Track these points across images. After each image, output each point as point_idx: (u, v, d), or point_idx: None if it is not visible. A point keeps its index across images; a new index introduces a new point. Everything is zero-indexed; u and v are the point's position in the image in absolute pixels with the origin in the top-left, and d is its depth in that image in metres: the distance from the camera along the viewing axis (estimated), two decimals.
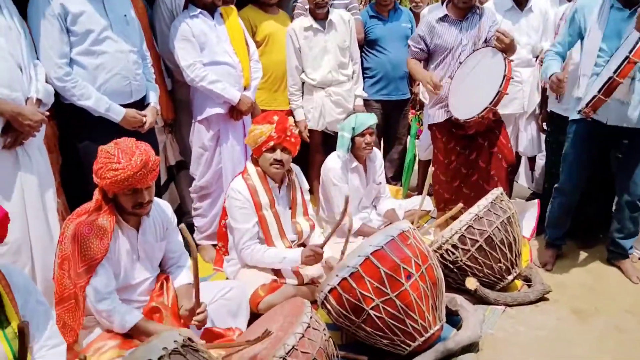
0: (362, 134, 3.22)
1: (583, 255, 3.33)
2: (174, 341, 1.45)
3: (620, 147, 2.94)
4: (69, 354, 1.96)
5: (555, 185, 3.15)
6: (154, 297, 2.30)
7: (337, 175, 3.23)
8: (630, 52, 2.42)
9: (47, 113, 2.37)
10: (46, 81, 2.43)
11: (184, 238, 2.15)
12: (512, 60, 2.92)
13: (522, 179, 4.31)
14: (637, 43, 2.43)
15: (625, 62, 2.43)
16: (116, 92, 2.65)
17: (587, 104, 2.61)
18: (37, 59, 2.45)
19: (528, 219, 3.65)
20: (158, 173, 2.18)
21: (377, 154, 3.30)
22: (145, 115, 2.77)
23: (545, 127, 3.62)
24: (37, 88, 2.34)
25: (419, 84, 3.99)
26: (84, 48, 2.54)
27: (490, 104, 2.88)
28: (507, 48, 2.90)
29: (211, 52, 3.06)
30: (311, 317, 1.97)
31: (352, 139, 3.23)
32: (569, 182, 3.08)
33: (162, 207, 2.38)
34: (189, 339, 1.53)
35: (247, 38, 3.26)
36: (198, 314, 2.14)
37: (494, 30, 3.03)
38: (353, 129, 3.20)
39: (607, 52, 2.73)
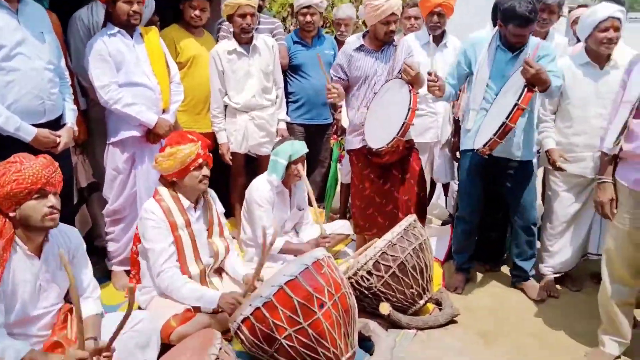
0: (295, 162, 3.25)
1: (489, 278, 3.52)
2: None
3: (507, 176, 3.16)
4: None
5: (456, 213, 3.33)
6: (56, 330, 2.18)
7: (264, 198, 3.23)
8: (518, 99, 2.67)
9: None
10: None
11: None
12: (417, 93, 3.06)
13: (442, 200, 4.52)
14: (523, 90, 2.68)
15: (515, 109, 2.67)
16: (28, 111, 2.53)
17: (484, 145, 2.81)
18: None
19: (441, 243, 3.83)
20: (62, 185, 2.11)
21: (304, 180, 3.35)
22: (59, 136, 2.66)
23: (457, 155, 3.83)
24: None
25: (340, 111, 4.09)
26: None
27: (397, 134, 3.00)
28: (413, 80, 3.04)
29: (128, 72, 2.98)
30: (220, 349, 1.96)
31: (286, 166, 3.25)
32: (466, 209, 3.29)
33: (68, 234, 2.25)
34: None
35: (167, 59, 3.20)
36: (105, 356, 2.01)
37: (410, 60, 3.18)
38: (290, 155, 3.23)
39: (494, 89, 3.00)
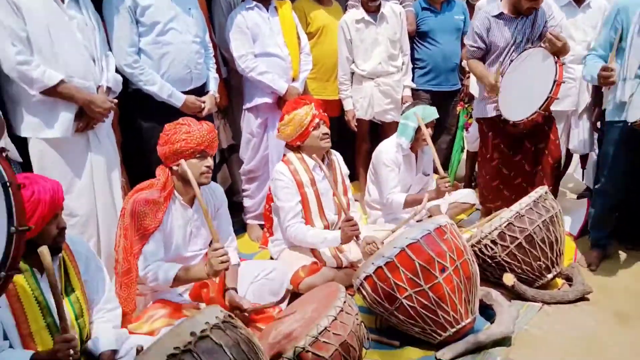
0: (425, 126, 3.25)
1: (630, 257, 3.25)
2: (216, 317, 1.60)
3: None
4: (125, 320, 2.20)
5: (596, 186, 3.08)
6: None
7: (390, 159, 3.29)
8: None
9: (116, 101, 2.59)
10: (116, 70, 2.64)
11: None
12: (563, 64, 2.87)
13: (579, 173, 4.21)
14: None
15: None
16: (178, 80, 2.85)
17: None
18: (110, 50, 2.67)
19: (576, 217, 3.59)
20: (217, 148, 2.40)
21: (430, 146, 3.34)
22: (204, 102, 2.95)
23: (598, 125, 3.53)
24: (107, 78, 2.55)
25: (469, 77, 3.96)
26: (151, 38, 2.75)
27: (539, 108, 2.86)
28: (558, 51, 2.85)
29: (263, 43, 3.21)
30: (345, 302, 2.09)
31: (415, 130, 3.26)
32: (608, 183, 3.01)
33: (214, 190, 2.57)
34: (230, 315, 1.68)
35: (299, 31, 3.39)
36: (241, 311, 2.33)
37: (553, 27, 2.97)
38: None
39: None
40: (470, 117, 3.92)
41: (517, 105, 3.01)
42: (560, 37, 2.84)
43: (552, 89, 2.82)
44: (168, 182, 2.34)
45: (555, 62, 2.85)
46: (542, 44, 2.94)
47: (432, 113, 3.27)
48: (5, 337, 1.74)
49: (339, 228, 3.07)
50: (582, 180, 4.14)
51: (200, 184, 2.32)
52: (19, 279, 1.75)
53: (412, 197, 3.27)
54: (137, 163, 2.98)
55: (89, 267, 2.00)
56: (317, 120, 2.86)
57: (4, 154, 1.25)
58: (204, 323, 1.56)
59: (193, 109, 2.89)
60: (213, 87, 3.07)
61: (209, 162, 2.32)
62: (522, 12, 3.05)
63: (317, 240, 2.80)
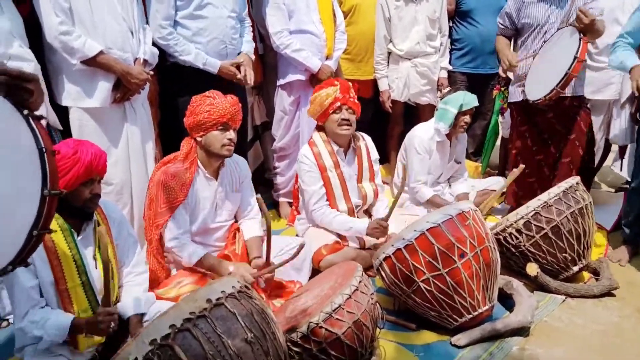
0: (465, 112, 3.22)
1: None
2: (232, 287, 1.67)
3: None
4: (153, 285, 2.32)
5: (632, 183, 2.97)
6: (227, 245, 2.60)
7: (423, 145, 3.28)
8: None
9: (152, 73, 2.67)
10: (152, 44, 2.72)
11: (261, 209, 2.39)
12: (588, 42, 2.74)
13: (617, 166, 4.06)
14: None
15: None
16: (213, 54, 2.90)
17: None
18: (147, 23, 2.74)
19: (611, 210, 3.49)
20: (241, 122, 2.43)
21: (465, 135, 3.31)
22: (241, 62, 2.94)
23: (638, 117, 3.38)
24: (144, 50, 2.63)
25: None
26: (188, 12, 2.80)
27: (557, 85, 2.75)
28: (586, 28, 2.72)
29: (298, 20, 3.22)
30: (360, 281, 2.12)
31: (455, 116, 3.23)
32: None
33: (239, 163, 2.64)
34: (246, 286, 1.75)
35: (335, 9, 3.37)
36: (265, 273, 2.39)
37: (592, 8, 2.85)
38: (461, 105, 3.20)
39: None
40: (506, 101, 3.83)
41: (538, 85, 2.93)
42: (588, 13, 2.71)
43: (571, 65, 2.71)
44: (191, 153, 2.42)
45: (580, 39, 2.73)
46: (573, 22, 2.82)
47: (472, 100, 3.22)
48: (41, 295, 1.87)
49: (365, 212, 3.11)
50: (620, 171, 3.99)
51: (221, 156, 2.40)
52: (59, 238, 1.87)
53: (439, 199, 3.26)
54: (176, 138, 3.06)
55: (121, 232, 2.12)
56: (339, 103, 2.80)
57: (42, 122, 1.33)
58: (220, 291, 1.63)
59: (229, 74, 2.91)
60: (247, 48, 3.06)
61: (231, 134, 2.37)
62: None
63: (342, 227, 2.84)
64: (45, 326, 1.80)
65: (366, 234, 2.77)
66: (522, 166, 3.06)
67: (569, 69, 2.74)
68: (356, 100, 2.87)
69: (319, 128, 2.97)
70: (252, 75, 2.97)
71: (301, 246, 2.42)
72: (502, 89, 3.96)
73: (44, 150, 1.25)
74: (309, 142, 2.97)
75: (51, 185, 1.27)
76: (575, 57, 2.72)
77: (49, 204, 1.27)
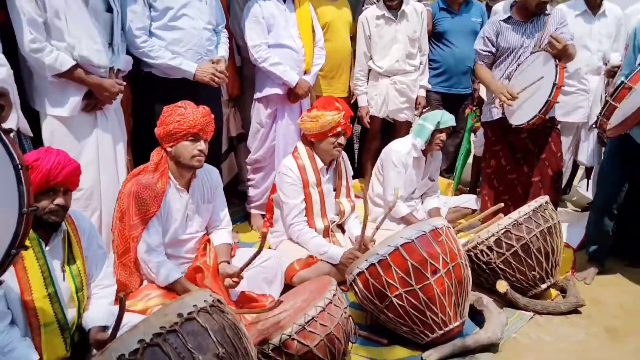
0: (441, 130, 3.26)
1: (627, 274, 3.23)
2: (204, 300, 1.64)
3: None
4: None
5: (594, 201, 3.08)
6: (198, 256, 2.55)
7: (400, 159, 3.30)
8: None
9: (124, 83, 2.63)
10: (127, 52, 2.69)
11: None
12: (564, 68, 2.84)
13: (582, 186, 4.19)
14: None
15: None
16: None
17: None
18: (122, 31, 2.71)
19: (576, 229, 3.58)
20: (212, 133, 2.41)
21: (440, 153, 3.36)
22: (217, 61, 2.92)
23: (605, 139, 3.51)
24: (119, 61, 2.61)
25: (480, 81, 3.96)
26: (163, 23, 2.79)
27: (539, 112, 2.85)
28: (559, 54, 2.82)
29: (277, 34, 3.24)
30: (334, 295, 2.12)
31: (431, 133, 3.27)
32: (603, 198, 3.02)
33: (210, 173, 2.61)
34: (218, 300, 1.72)
35: (314, 25, 3.40)
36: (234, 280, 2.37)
37: (563, 33, 2.95)
38: (438, 122, 3.24)
39: None
40: (478, 120, 3.92)
41: (519, 109, 3.01)
42: (559, 39, 2.81)
43: (551, 93, 2.81)
44: (161, 163, 2.39)
45: (556, 66, 2.83)
46: (546, 47, 2.93)
47: (449, 120, 3.28)
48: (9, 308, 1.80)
49: (339, 226, 3.11)
50: (587, 191, 4.12)
51: (191, 167, 2.38)
52: None
53: (412, 217, 3.29)
54: (148, 147, 3.02)
55: (91, 244, 2.07)
56: (340, 129, 2.85)
57: (10, 135, 1.30)
58: (192, 305, 1.59)
59: (207, 70, 2.85)
60: (222, 52, 3.03)
61: (202, 145, 2.34)
62: (533, 11, 3.02)
63: (318, 250, 2.84)
64: (8, 356, 1.73)
65: (340, 262, 2.76)
66: (501, 205, 3.10)
67: (549, 97, 2.83)
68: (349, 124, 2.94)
69: (306, 142, 2.97)
70: (226, 74, 2.96)
71: (263, 234, 2.39)
72: (474, 108, 4.05)
73: (19, 167, 1.23)
74: (292, 154, 2.96)
75: (28, 203, 1.24)
76: (554, 84, 2.82)
77: (26, 222, 1.25)
